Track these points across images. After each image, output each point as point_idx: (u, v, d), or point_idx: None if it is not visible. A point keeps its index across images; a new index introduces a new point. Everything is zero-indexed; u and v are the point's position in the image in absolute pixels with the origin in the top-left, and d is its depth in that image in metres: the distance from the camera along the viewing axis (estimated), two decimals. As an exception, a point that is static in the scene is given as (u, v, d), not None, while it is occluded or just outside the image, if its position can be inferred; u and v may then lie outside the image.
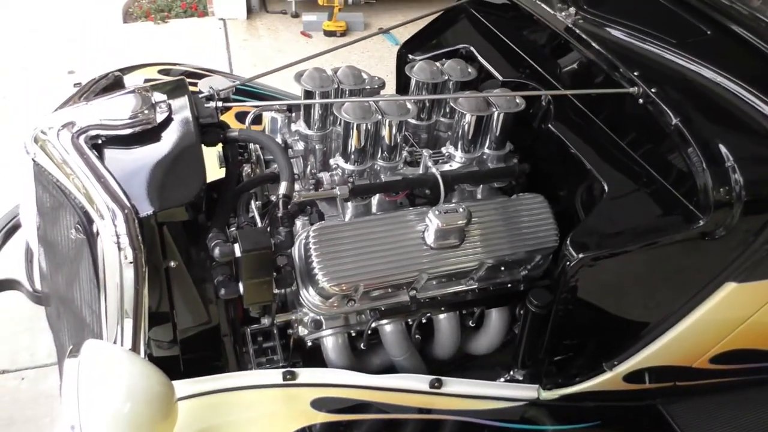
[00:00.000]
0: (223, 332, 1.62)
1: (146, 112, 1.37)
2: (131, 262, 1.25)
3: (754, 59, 1.53)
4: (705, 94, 1.46)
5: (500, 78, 1.83)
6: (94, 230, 1.28)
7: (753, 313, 1.54)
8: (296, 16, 5.56)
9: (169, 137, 1.38)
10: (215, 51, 4.99)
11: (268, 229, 1.39)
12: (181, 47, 4.98)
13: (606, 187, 1.47)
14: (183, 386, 1.37)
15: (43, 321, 2.29)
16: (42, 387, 2.45)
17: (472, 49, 1.97)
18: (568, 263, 1.37)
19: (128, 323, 1.33)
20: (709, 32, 1.60)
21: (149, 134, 1.38)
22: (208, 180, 1.41)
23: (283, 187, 1.36)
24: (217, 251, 1.31)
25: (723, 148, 1.32)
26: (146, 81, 1.83)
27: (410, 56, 2.10)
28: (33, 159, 1.39)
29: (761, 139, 1.39)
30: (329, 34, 5.23)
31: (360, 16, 5.38)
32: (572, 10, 1.69)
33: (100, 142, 1.37)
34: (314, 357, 1.66)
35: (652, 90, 1.42)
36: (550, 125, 1.67)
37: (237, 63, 4.84)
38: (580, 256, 1.34)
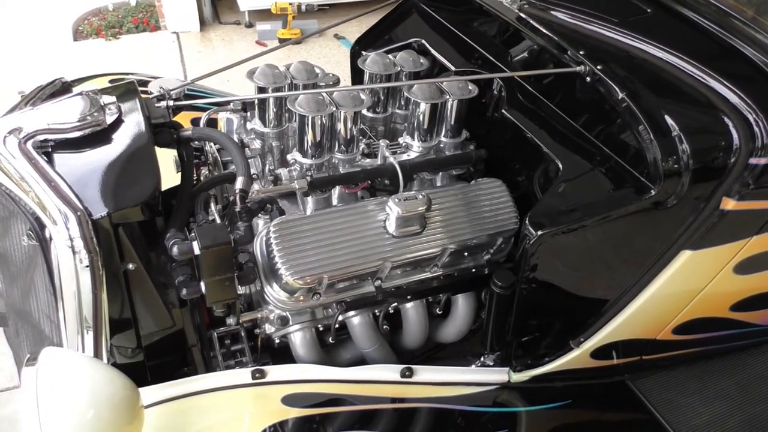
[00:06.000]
0: (190, 342, 1.60)
1: (95, 114, 1.35)
2: (87, 266, 1.23)
3: (693, 34, 1.59)
4: (648, 68, 1.51)
5: (453, 69, 1.86)
6: (47, 236, 1.25)
7: (709, 281, 1.58)
8: (250, 26, 5.54)
9: (121, 138, 1.36)
10: (170, 64, 4.94)
11: (228, 226, 1.37)
12: (135, 62, 4.92)
13: (561, 167, 1.50)
14: (150, 392, 1.35)
15: (1, 344, 2.22)
16: (3, 412, 2.38)
17: (424, 42, 1.99)
18: (527, 241, 1.39)
19: (88, 331, 1.30)
20: (649, 11, 1.65)
21: (100, 136, 1.36)
22: (166, 186, 1.39)
23: (239, 182, 1.35)
24: (175, 249, 1.29)
25: (669, 119, 1.36)
26: (96, 90, 1.80)
27: (364, 53, 2.11)
28: (-22, 168, 1.35)
29: (705, 108, 1.43)
30: (284, 41, 5.23)
31: (314, 23, 5.39)
32: (518, -4, 1.73)
33: (49, 146, 1.34)
34: (283, 356, 1.65)
35: (598, 67, 1.45)
36: (503, 111, 1.69)
37: (192, 75, 4.80)
38: (539, 233, 1.36)
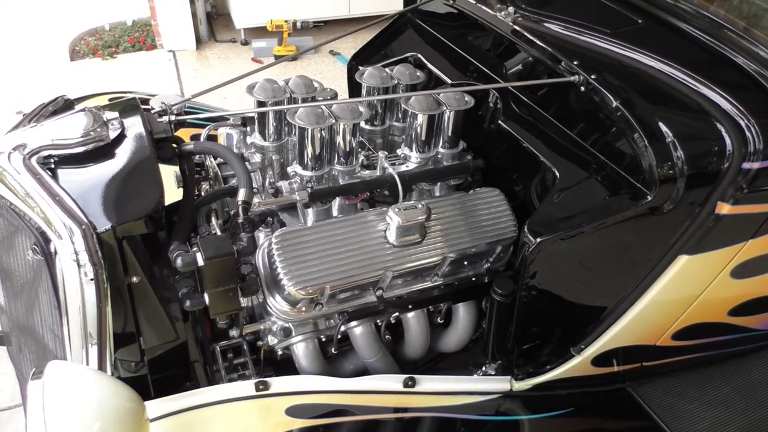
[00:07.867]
0: (192, 358, 1.60)
1: (98, 129, 1.36)
2: (92, 279, 1.23)
3: (684, 43, 1.62)
4: (641, 77, 1.53)
5: (449, 81, 1.88)
6: (52, 250, 1.26)
7: (707, 286, 1.59)
8: (246, 43, 5.58)
9: (124, 153, 1.38)
10: (166, 83, 4.97)
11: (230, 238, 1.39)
12: (132, 81, 4.95)
13: (558, 175, 1.52)
14: (154, 406, 1.35)
15: (2, 363, 2.22)
16: (6, 431, 2.37)
17: (419, 56, 2.02)
18: (526, 249, 1.40)
19: (93, 345, 1.30)
20: (640, 21, 1.68)
21: (103, 151, 1.37)
22: (168, 202, 1.40)
23: (242, 194, 1.36)
24: (179, 261, 1.30)
25: (663, 126, 1.38)
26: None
27: (360, 68, 2.14)
28: (-17, 184, 1.36)
29: (697, 115, 1.45)
30: (280, 58, 5.26)
31: (309, 39, 5.43)
32: (511, 9, 1.76)
33: (53, 162, 1.35)
34: (286, 368, 1.65)
35: (592, 77, 1.48)
36: (500, 121, 1.71)
37: (189, 93, 4.83)
38: (538, 240, 1.38)
